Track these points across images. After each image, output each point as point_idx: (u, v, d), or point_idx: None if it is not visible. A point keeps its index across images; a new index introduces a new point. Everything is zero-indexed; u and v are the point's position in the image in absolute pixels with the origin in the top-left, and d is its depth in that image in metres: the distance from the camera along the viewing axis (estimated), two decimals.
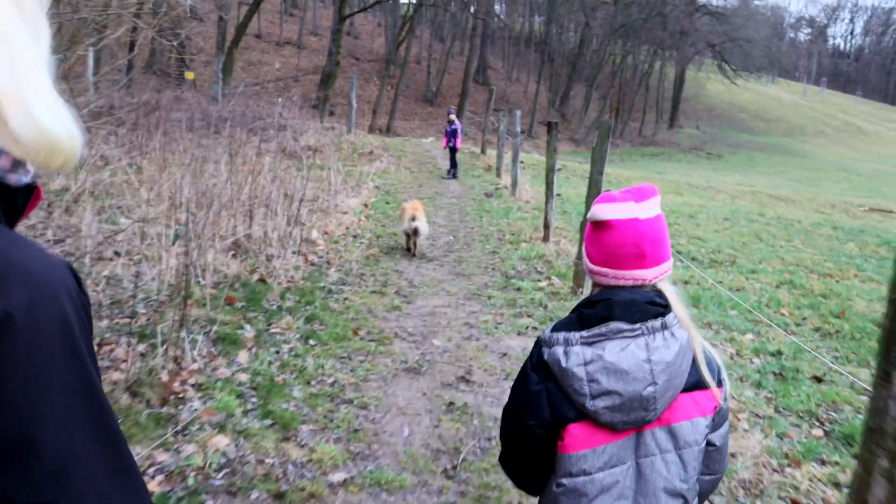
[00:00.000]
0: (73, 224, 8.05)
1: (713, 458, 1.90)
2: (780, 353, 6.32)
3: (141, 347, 5.04)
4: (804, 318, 7.66)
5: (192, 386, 4.60)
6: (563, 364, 1.70)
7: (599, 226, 1.79)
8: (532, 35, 61.41)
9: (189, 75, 31.07)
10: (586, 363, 1.69)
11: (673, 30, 49.30)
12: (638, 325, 1.71)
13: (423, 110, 43.82)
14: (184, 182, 8.71)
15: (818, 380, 5.76)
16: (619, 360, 1.68)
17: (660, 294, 1.79)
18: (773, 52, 61.41)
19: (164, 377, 4.60)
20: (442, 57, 48.14)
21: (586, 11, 46.84)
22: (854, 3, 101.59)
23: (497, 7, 52.84)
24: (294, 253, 8.20)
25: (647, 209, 1.77)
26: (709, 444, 1.85)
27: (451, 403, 4.82)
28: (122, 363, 4.72)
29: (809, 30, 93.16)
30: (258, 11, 46.22)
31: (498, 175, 17.29)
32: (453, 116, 18.36)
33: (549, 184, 10.52)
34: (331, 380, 5.00)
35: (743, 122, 66.31)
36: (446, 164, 18.77)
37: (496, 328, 6.47)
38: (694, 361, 1.79)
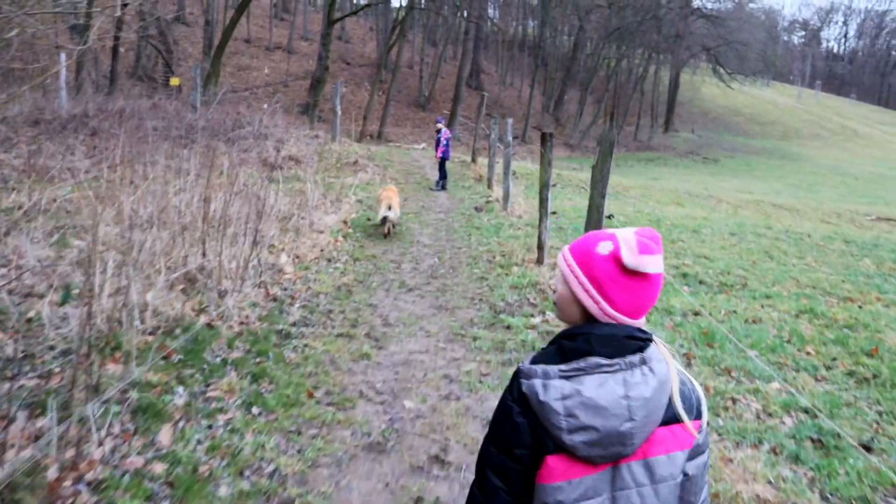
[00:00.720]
0: (14, 248, 7.07)
1: (687, 490, 1.83)
2: (814, 408, 5.31)
3: (40, 423, 4.06)
4: (833, 359, 6.65)
5: (89, 485, 3.58)
6: (541, 397, 1.70)
7: (636, 275, 1.76)
8: (525, 39, 60.47)
9: (174, 81, 30.00)
10: (564, 397, 1.68)
11: (668, 33, 48.37)
12: (616, 361, 1.71)
13: (416, 116, 42.82)
14: (142, 199, 7.75)
15: (867, 448, 4.76)
16: (597, 395, 1.68)
17: (640, 328, 1.79)
18: (768, 55, 60.56)
19: (53, 474, 3.59)
20: (434, 61, 47.15)
21: (580, 14, 45.88)
22: (847, 5, 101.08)
23: (490, 11, 51.86)
24: (255, 286, 7.19)
25: (657, 264, 1.77)
26: (683, 474, 1.81)
27: (420, 500, 3.83)
28: (8, 450, 3.71)
29: (803, 33, 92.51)
30: (247, 16, 45.37)
31: (489, 186, 16.30)
32: (441, 125, 17.37)
33: (542, 200, 9.55)
34: (270, 468, 4.00)
35: (738, 125, 65.43)
36: (435, 175, 17.80)
37: (480, 382, 5.46)
38: (685, 395, 1.81)
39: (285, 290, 7.48)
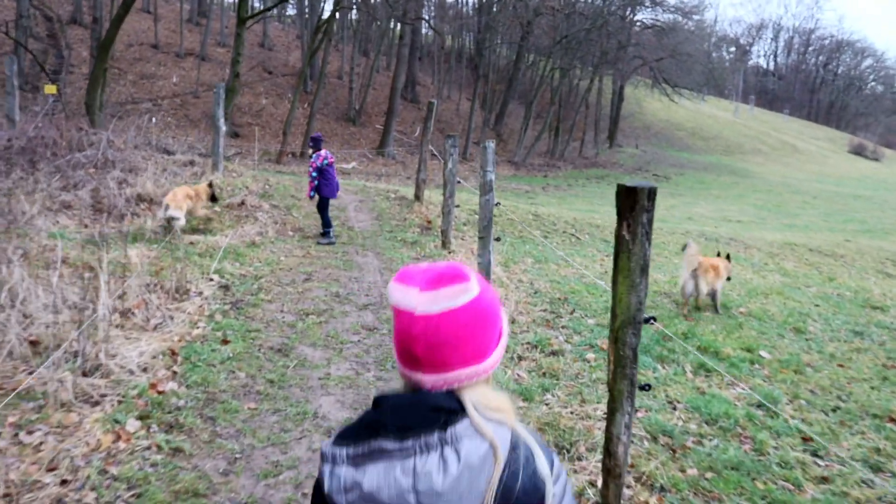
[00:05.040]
0: None
1: None
2: None
3: None
4: None
5: None
6: (325, 488, 1.35)
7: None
8: (463, 50, 54.77)
9: (50, 89, 22.99)
10: (346, 490, 1.32)
11: (610, 45, 43.27)
12: (409, 443, 1.30)
13: (345, 131, 36.63)
14: None
15: None
16: (378, 489, 1.29)
17: (450, 395, 1.36)
18: (712, 68, 56.26)
19: None
20: (366, 71, 40.99)
21: (523, 22, 40.29)
22: (777, 22, 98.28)
23: (425, 16, 45.87)
24: None
25: (432, 302, 1.34)
26: None
27: None
28: None
29: (734, 49, 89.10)
30: (156, 18, 38.56)
31: (445, 245, 10.28)
32: (323, 153, 10.77)
33: None
34: None
35: (681, 140, 60.89)
36: (364, 216, 11.79)
37: None
38: (508, 478, 1.31)
39: None
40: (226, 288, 7.49)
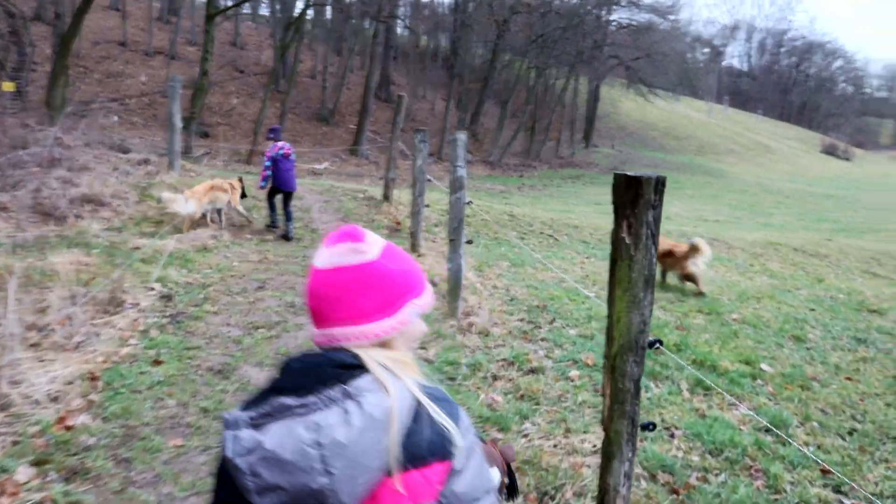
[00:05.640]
0: None
1: None
2: None
3: None
4: None
5: None
6: (227, 453, 1.29)
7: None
8: (439, 49, 53.96)
9: (8, 86, 21.90)
10: (248, 452, 1.26)
11: (586, 45, 42.67)
12: (312, 399, 1.28)
13: (318, 131, 35.69)
14: None
15: None
16: (280, 446, 1.24)
17: (354, 353, 1.38)
18: (687, 68, 55.95)
19: None
20: (340, 70, 40.08)
21: (498, 21, 39.55)
22: (750, 23, 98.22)
23: (400, 16, 44.95)
24: None
25: (326, 257, 1.45)
26: None
27: None
28: None
29: (708, 49, 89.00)
30: (124, 16, 37.41)
31: (415, 248, 9.45)
32: (280, 144, 10.75)
33: None
34: None
35: (655, 140, 60.46)
36: (329, 218, 11.05)
37: None
38: (415, 433, 1.32)
39: None
40: (167, 298, 6.67)
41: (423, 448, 1.33)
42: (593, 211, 22.37)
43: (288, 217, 10.40)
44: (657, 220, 2.80)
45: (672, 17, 54.03)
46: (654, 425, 3.14)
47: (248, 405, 1.34)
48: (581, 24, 39.70)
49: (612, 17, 49.39)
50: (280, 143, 10.59)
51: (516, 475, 2.16)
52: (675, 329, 7.07)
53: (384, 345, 1.43)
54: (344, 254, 1.43)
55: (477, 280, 8.15)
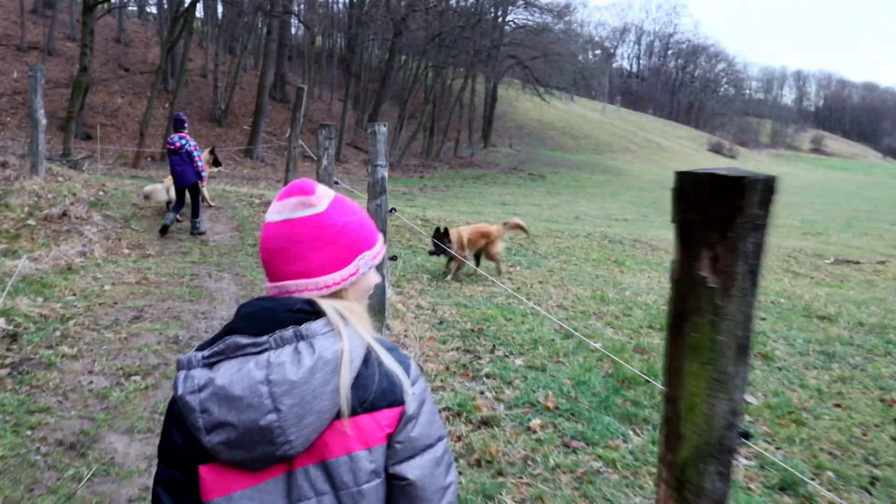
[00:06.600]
0: None
1: (411, 497, 1.39)
2: None
3: None
4: None
5: None
6: (178, 392, 1.28)
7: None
8: (335, 48, 52.30)
9: None
10: (200, 389, 1.26)
11: (484, 44, 42.05)
12: (264, 338, 1.28)
13: (210, 132, 33.60)
14: None
15: None
16: (231, 383, 1.24)
17: (311, 301, 1.37)
18: (582, 69, 56.25)
19: None
20: (232, 70, 38.03)
21: (396, 19, 38.36)
22: (639, 27, 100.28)
23: (294, 16, 43.07)
24: None
25: (277, 211, 1.44)
26: (399, 478, 1.37)
27: None
28: None
29: (599, 51, 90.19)
30: None
31: None
32: (171, 138, 10.46)
33: None
34: None
35: (553, 139, 60.58)
36: (221, 227, 9.67)
37: None
38: (366, 379, 1.33)
39: None
40: (12, 339, 5.19)
41: (373, 392, 1.33)
42: (502, 212, 21.41)
43: (194, 213, 10.14)
44: (760, 250, 1.67)
45: (566, 19, 54.28)
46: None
47: (202, 346, 1.32)
48: (479, 23, 38.94)
49: (508, 18, 49.22)
50: (171, 138, 10.27)
51: None
52: (635, 352, 6.04)
53: (336, 295, 1.41)
54: (294, 207, 1.42)
55: (398, 299, 6.94)
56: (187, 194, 10.18)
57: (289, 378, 1.23)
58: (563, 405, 4.66)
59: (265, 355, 1.26)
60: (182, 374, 1.28)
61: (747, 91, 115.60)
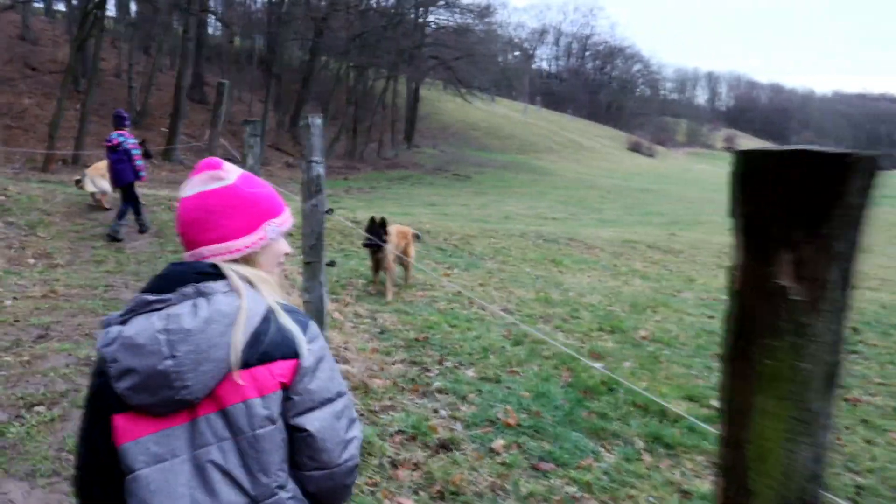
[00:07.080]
0: None
1: (313, 448, 1.46)
2: None
3: None
4: None
5: None
6: (97, 346, 1.41)
7: None
8: (254, 48, 51.01)
9: None
10: (112, 342, 1.37)
11: (406, 45, 41.61)
12: (168, 295, 1.40)
13: None
14: None
15: None
16: (136, 333, 1.35)
17: (214, 265, 1.47)
18: (504, 69, 56.43)
19: None
20: (148, 70, 36.60)
21: (316, 19, 37.55)
22: (557, 28, 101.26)
23: (212, 18, 41.70)
24: None
25: (192, 186, 1.54)
26: (299, 429, 1.45)
27: None
28: None
29: (518, 52, 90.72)
30: None
31: None
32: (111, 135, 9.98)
33: None
34: None
35: (477, 140, 60.53)
36: (139, 235, 8.96)
37: None
38: (262, 334, 1.43)
39: None
40: None
41: (268, 345, 1.42)
42: (432, 213, 21.00)
43: (119, 214, 9.63)
44: (855, 251, 1.28)
45: (487, 20, 54.20)
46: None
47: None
48: (401, 23, 38.48)
49: (430, 18, 48.91)
50: (110, 135, 9.90)
51: None
52: (591, 356, 5.68)
53: (248, 261, 1.51)
54: (205, 181, 1.51)
55: (334, 307, 6.43)
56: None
57: (184, 327, 1.34)
58: (525, 421, 4.25)
59: (168, 310, 1.37)
60: (102, 333, 1.39)
61: (663, 92, 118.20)
